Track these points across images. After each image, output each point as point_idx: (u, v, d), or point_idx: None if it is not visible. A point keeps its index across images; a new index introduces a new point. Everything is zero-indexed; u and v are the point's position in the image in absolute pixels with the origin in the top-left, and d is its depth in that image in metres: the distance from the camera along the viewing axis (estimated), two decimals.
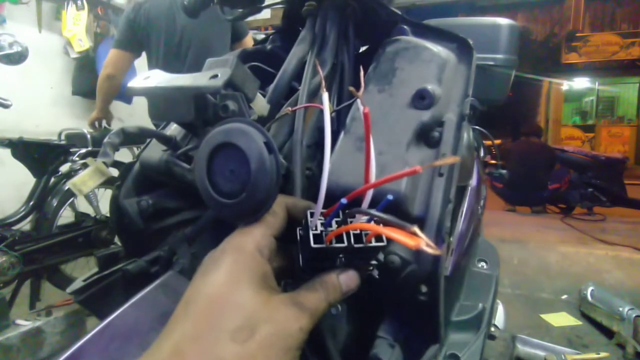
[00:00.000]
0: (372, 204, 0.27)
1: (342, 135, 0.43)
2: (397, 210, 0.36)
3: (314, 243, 0.27)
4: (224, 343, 0.23)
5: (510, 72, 0.89)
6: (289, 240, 0.30)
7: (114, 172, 0.50)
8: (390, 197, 0.26)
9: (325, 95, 0.29)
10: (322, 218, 0.28)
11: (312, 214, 0.28)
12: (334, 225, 0.28)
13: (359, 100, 0.28)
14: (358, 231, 0.28)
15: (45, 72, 2.94)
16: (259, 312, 0.24)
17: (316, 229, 0.28)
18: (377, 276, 0.26)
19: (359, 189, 0.27)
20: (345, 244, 0.27)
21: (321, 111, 0.41)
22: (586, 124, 8.19)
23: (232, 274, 0.25)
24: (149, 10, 1.78)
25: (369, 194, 0.27)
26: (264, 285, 0.26)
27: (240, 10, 0.67)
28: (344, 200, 0.26)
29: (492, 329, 0.76)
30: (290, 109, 0.39)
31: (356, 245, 0.27)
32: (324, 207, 0.28)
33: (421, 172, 0.23)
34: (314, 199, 0.28)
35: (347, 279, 0.28)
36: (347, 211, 0.28)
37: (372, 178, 0.28)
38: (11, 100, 1.60)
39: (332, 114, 0.47)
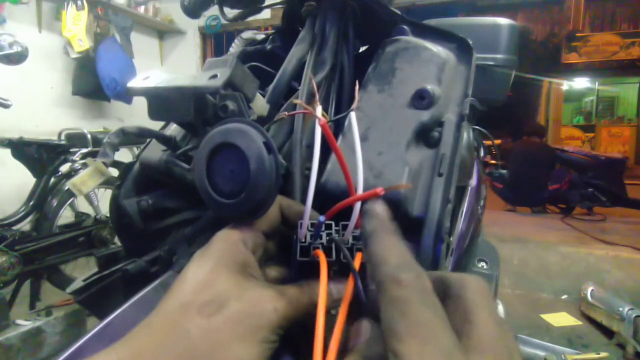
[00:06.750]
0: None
1: (340, 137, 0.43)
2: (396, 210, 0.36)
3: (300, 256, 0.28)
4: (191, 316, 0.23)
5: (510, 72, 0.89)
6: (286, 248, 0.30)
7: (114, 172, 0.50)
8: None
9: (319, 110, 0.29)
10: (313, 230, 0.28)
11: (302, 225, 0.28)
12: (324, 238, 0.28)
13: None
14: (349, 244, 0.28)
15: (45, 72, 2.94)
16: (231, 290, 0.25)
17: (305, 241, 0.28)
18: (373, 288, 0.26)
19: (334, 207, 0.28)
20: (333, 258, 0.27)
21: None
22: (586, 124, 8.18)
23: (211, 259, 0.26)
24: None
25: (357, 206, 0.27)
26: (242, 271, 0.26)
27: (240, 10, 0.67)
28: (321, 218, 0.27)
29: None
30: (286, 113, 0.39)
31: (344, 261, 0.27)
32: (326, 208, 0.28)
33: (383, 194, 0.24)
34: (314, 200, 0.28)
35: (340, 287, 0.28)
36: (327, 232, 0.29)
37: (360, 189, 0.28)
38: (11, 100, 1.60)
39: (329, 123, 0.47)
